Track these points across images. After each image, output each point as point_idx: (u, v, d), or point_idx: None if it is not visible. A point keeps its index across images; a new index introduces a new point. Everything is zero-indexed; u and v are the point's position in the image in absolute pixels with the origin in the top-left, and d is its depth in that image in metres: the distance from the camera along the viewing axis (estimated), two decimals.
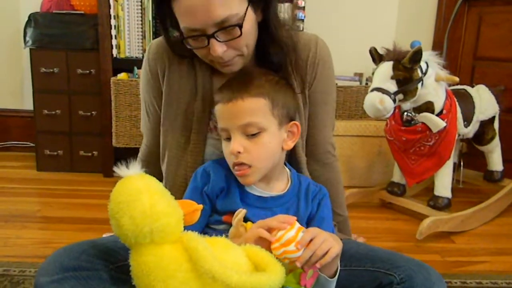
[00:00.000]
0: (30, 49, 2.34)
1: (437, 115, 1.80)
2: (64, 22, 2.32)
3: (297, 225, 0.82)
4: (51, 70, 2.35)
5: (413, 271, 0.87)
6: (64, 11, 2.34)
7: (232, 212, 0.91)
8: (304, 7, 2.37)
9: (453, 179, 1.97)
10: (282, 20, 1.00)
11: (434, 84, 1.79)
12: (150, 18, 2.28)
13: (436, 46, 2.61)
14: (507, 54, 2.41)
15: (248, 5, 0.89)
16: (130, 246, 0.75)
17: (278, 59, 0.99)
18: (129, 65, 2.30)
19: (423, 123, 1.80)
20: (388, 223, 1.98)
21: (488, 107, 2.05)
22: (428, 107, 1.80)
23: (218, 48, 0.90)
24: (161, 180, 0.79)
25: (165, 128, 1.06)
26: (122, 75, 2.30)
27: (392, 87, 1.71)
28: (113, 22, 2.27)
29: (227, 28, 0.88)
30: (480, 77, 2.49)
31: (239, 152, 0.88)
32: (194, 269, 0.71)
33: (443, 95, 1.82)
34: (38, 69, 2.34)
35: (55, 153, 2.44)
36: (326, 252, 0.79)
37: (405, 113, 1.84)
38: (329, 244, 0.79)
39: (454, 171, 2.01)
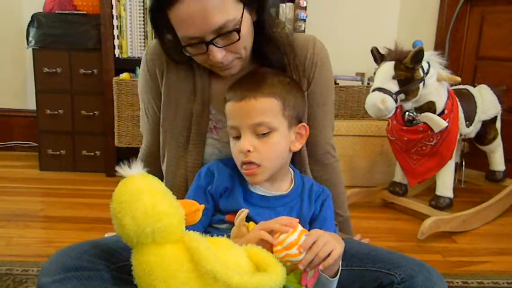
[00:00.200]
0: (33, 49, 2.34)
1: (439, 115, 1.79)
2: (66, 22, 2.32)
3: (300, 228, 0.82)
4: (54, 70, 2.35)
5: (414, 271, 0.88)
6: (66, 11, 2.35)
7: (235, 212, 0.91)
8: (306, 7, 2.37)
9: (455, 179, 1.96)
10: (276, 19, 1.00)
11: (436, 84, 1.78)
12: None
13: (438, 45, 2.61)
14: (509, 54, 2.41)
15: (244, 7, 0.90)
16: (132, 245, 0.75)
17: (276, 59, 1.00)
18: (131, 65, 2.31)
19: (424, 123, 1.80)
20: (390, 223, 1.98)
21: (490, 107, 2.04)
22: (429, 107, 1.80)
23: (218, 54, 0.90)
24: (161, 180, 0.80)
25: (165, 129, 1.07)
26: (124, 75, 2.31)
27: (394, 87, 1.71)
28: (115, 22, 2.28)
29: (226, 34, 0.88)
30: (482, 77, 2.49)
31: (248, 151, 0.88)
32: (195, 269, 0.71)
33: (445, 95, 1.82)
34: (41, 69, 2.35)
35: (58, 152, 2.45)
36: (329, 254, 0.79)
37: (407, 113, 1.84)
38: (331, 245, 0.80)
39: (456, 171, 2.01)
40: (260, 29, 0.97)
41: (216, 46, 0.89)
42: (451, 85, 1.92)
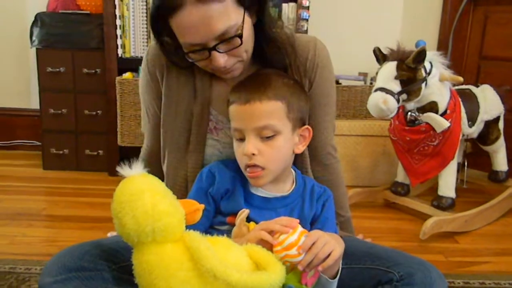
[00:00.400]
0: (37, 48, 2.35)
1: (441, 115, 1.79)
2: (70, 21, 2.33)
3: (300, 228, 0.82)
4: (57, 69, 2.36)
5: (412, 268, 0.88)
6: (70, 11, 2.36)
7: (236, 214, 0.91)
8: (308, 6, 2.37)
9: (457, 179, 1.96)
10: (276, 20, 1.00)
11: (438, 84, 1.78)
12: None
13: (441, 45, 2.61)
14: None
15: (245, 11, 0.90)
16: (133, 245, 0.76)
17: (277, 60, 1.00)
18: (134, 64, 2.31)
19: (427, 123, 1.80)
20: (392, 223, 1.97)
21: (492, 107, 2.04)
22: (432, 107, 1.79)
23: (220, 59, 0.91)
24: (162, 180, 0.80)
25: (165, 129, 1.07)
26: (127, 75, 2.31)
27: (396, 87, 1.71)
28: (118, 22, 2.29)
29: (228, 39, 0.88)
30: (485, 76, 2.48)
31: (253, 154, 0.88)
32: (195, 268, 0.72)
33: (447, 95, 1.82)
34: (44, 69, 2.36)
35: (61, 152, 2.46)
36: (328, 255, 0.79)
37: (409, 113, 1.84)
38: (331, 247, 0.80)
39: (458, 171, 2.01)
40: (261, 30, 0.97)
41: (218, 51, 0.89)
42: (454, 85, 1.92)
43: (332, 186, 1.07)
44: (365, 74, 2.57)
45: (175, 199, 0.77)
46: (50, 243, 1.67)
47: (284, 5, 2.38)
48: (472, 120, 1.95)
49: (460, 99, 1.88)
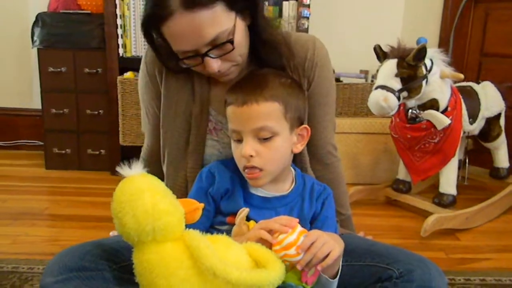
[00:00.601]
0: (38, 48, 2.36)
1: (442, 112, 1.79)
2: (71, 21, 2.34)
3: (299, 228, 0.82)
4: (59, 69, 2.37)
5: (412, 265, 0.88)
6: (71, 11, 2.37)
7: (235, 214, 0.92)
8: (309, 4, 2.36)
9: (458, 176, 1.96)
10: (271, 20, 1.00)
11: (439, 81, 1.78)
12: None
13: (443, 42, 2.60)
14: None
15: (236, 16, 0.89)
16: (133, 244, 0.76)
17: (273, 60, 0.99)
18: (135, 64, 2.27)
19: (427, 120, 1.80)
20: (393, 220, 1.98)
21: (493, 104, 2.04)
22: (432, 104, 1.79)
23: (214, 64, 0.91)
24: (163, 180, 0.81)
25: (165, 130, 1.07)
26: (128, 74, 2.32)
27: (396, 84, 1.71)
28: (119, 21, 2.29)
29: (220, 45, 0.88)
30: (486, 73, 2.48)
31: (251, 156, 0.88)
32: (195, 266, 0.73)
33: (448, 92, 1.81)
34: (46, 69, 2.37)
35: (63, 151, 2.47)
36: (327, 255, 0.80)
37: (410, 111, 1.84)
38: (330, 246, 0.80)
39: (459, 168, 2.01)
40: (255, 31, 0.96)
41: (211, 57, 0.89)
42: (455, 82, 1.92)
43: (333, 185, 1.07)
44: (366, 72, 2.57)
45: (175, 198, 0.78)
46: (52, 242, 1.68)
47: (285, 3, 2.38)
48: (473, 117, 1.95)
49: (461, 96, 1.88)
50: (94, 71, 2.38)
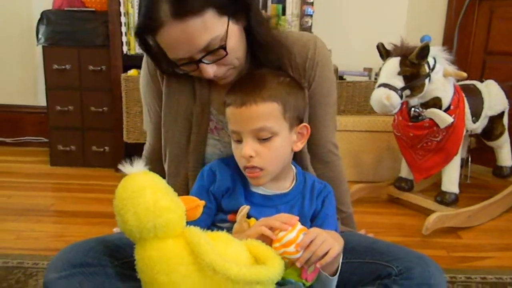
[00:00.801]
0: (43, 46, 2.38)
1: (445, 110, 1.79)
2: (75, 19, 2.35)
3: (299, 226, 0.83)
4: (63, 67, 2.39)
5: (411, 263, 0.88)
6: (75, 9, 2.38)
7: (237, 211, 0.92)
8: (312, 2, 2.36)
9: (461, 174, 1.96)
10: (266, 20, 0.99)
11: (442, 79, 1.78)
12: None
13: (447, 40, 2.60)
14: None
15: (229, 20, 0.89)
16: (135, 241, 0.77)
17: (271, 61, 0.99)
18: (139, 61, 2.28)
19: (430, 118, 1.80)
20: (396, 218, 1.98)
21: (497, 103, 2.03)
22: (435, 102, 1.79)
23: (209, 70, 0.91)
24: (164, 177, 0.81)
25: (166, 129, 1.08)
26: (132, 72, 2.33)
27: (399, 83, 1.71)
28: (123, 19, 2.30)
29: (213, 51, 0.88)
30: (490, 72, 2.47)
31: (251, 156, 0.89)
32: (196, 263, 0.74)
33: (451, 90, 1.81)
34: (51, 66, 2.39)
35: (68, 148, 2.49)
36: (326, 253, 0.80)
37: (413, 109, 1.84)
38: (329, 244, 0.81)
39: (462, 166, 2.01)
40: (252, 32, 0.96)
41: (205, 63, 0.90)
42: (458, 81, 1.91)
43: (334, 183, 1.08)
44: (369, 70, 2.57)
45: (176, 195, 0.79)
46: (57, 238, 1.70)
47: (288, 1, 2.37)
48: (476, 116, 1.95)
49: (464, 95, 1.88)
50: (99, 68, 2.39)
